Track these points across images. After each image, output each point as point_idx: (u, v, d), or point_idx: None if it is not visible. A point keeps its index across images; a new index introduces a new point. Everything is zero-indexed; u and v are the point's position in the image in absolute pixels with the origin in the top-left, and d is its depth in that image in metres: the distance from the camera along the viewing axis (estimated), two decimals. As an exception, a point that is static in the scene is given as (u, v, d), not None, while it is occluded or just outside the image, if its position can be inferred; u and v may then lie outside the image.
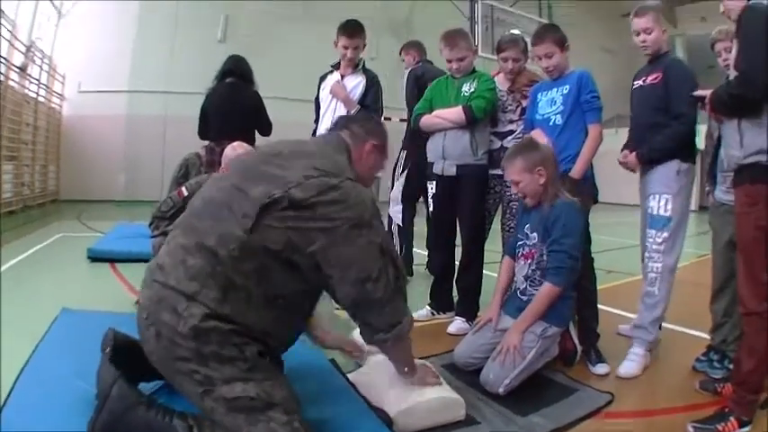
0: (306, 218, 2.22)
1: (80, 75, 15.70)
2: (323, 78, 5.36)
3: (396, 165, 6.48)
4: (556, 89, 4.15)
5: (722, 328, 3.84)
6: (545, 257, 3.59)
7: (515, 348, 3.40)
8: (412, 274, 6.50)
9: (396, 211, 6.52)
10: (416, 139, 5.62)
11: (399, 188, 6.48)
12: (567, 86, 4.08)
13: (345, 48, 5.12)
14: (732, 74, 3.10)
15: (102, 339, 2.42)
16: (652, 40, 3.95)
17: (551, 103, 4.15)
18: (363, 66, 5.32)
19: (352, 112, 5.06)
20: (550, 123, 4.12)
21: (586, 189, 4.01)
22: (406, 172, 6.39)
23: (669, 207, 3.88)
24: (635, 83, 4.12)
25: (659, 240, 3.92)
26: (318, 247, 2.24)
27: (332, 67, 5.36)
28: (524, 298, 3.65)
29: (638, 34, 3.99)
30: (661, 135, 3.86)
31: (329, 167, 2.37)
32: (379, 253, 2.32)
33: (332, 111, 5.17)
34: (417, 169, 5.97)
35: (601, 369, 3.78)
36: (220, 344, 2.14)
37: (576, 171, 3.93)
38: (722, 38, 4.08)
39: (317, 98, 5.38)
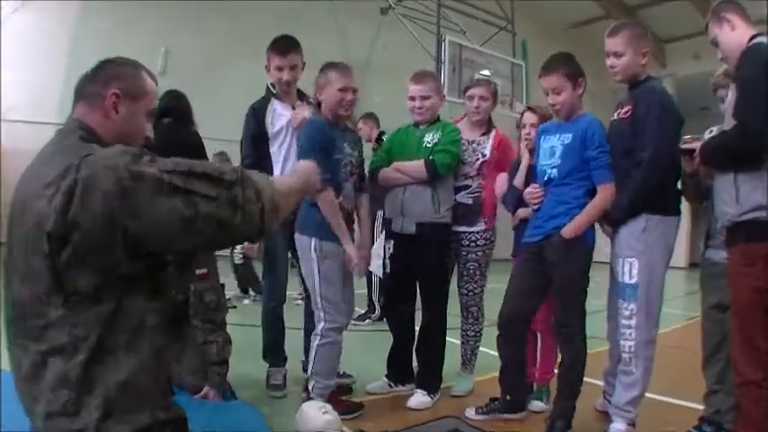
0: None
1: (4, 101, 15.47)
2: (259, 108, 4.93)
3: (374, 220, 6.65)
4: (558, 136, 4.08)
5: (715, 397, 3.79)
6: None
7: None
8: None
9: (377, 266, 6.66)
10: None
11: (381, 243, 6.63)
12: (570, 135, 4.00)
13: (279, 69, 4.81)
14: (729, 122, 3.11)
15: None
16: (622, 66, 3.84)
17: (550, 153, 4.09)
18: (306, 96, 5.04)
19: None
20: (545, 177, 4.08)
21: (580, 252, 3.97)
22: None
23: (635, 272, 3.77)
24: (613, 113, 4.01)
25: (627, 313, 3.82)
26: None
27: (271, 94, 4.96)
28: None
29: (608, 56, 3.88)
30: (623, 191, 3.79)
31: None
32: (170, 190, 1.97)
33: (295, 151, 4.75)
34: None
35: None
36: None
37: (569, 228, 3.90)
38: (726, 83, 3.62)
39: (255, 133, 4.92)
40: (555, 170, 4.02)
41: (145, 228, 1.95)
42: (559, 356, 4.20)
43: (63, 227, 1.93)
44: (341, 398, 4.44)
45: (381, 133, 7.49)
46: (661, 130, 3.62)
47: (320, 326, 4.27)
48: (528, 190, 4.26)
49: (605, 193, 3.88)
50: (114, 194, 1.92)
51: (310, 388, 4.28)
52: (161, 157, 2.05)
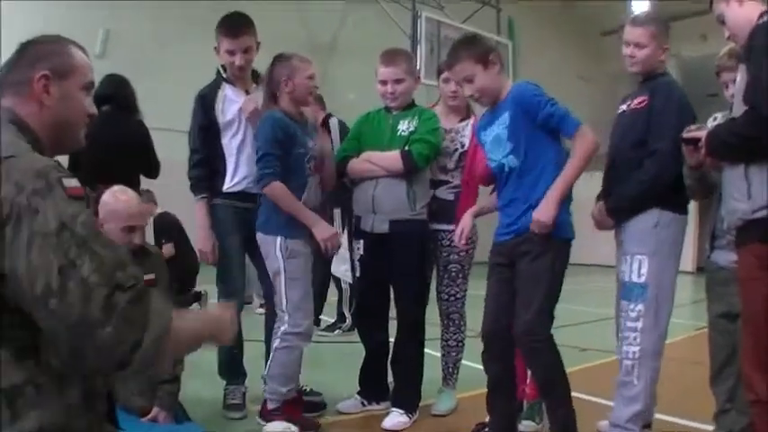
0: None
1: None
2: (208, 95, 4.82)
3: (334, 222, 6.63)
4: (496, 122, 4.04)
5: (726, 416, 3.78)
6: None
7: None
8: None
9: (344, 271, 6.72)
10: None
11: (347, 245, 6.67)
12: (507, 113, 3.96)
13: (231, 53, 4.68)
14: (738, 108, 3.10)
15: None
16: (642, 58, 3.91)
17: (497, 142, 4.03)
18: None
19: None
20: (506, 169, 4.00)
21: (556, 245, 3.89)
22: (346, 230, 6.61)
23: (644, 270, 3.78)
24: (619, 108, 4.09)
25: (633, 315, 3.82)
26: None
27: (221, 78, 4.86)
28: None
29: (628, 45, 3.96)
30: (632, 181, 3.83)
31: None
32: (54, 247, 1.87)
33: (251, 142, 4.71)
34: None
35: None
36: None
37: (549, 197, 3.73)
38: (731, 65, 3.73)
39: (204, 123, 4.81)
40: (511, 156, 3.95)
41: (7, 266, 1.89)
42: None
43: None
44: (301, 413, 4.48)
45: (328, 116, 7.46)
46: (679, 123, 3.64)
47: (281, 328, 4.35)
48: (458, 231, 4.36)
49: (584, 139, 3.79)
50: (3, 217, 1.89)
51: (263, 390, 4.40)
52: (76, 203, 1.99)
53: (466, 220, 4.36)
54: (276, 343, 4.36)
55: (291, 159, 4.33)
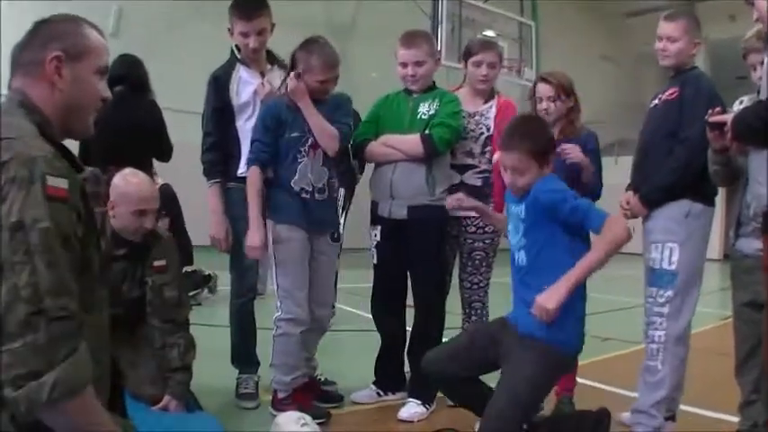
0: None
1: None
2: (222, 77, 4.77)
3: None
4: (514, 206, 3.74)
5: (752, 408, 3.69)
6: None
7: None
8: None
9: None
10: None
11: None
12: (523, 207, 3.62)
13: (245, 35, 4.62)
14: (765, 90, 3.10)
15: None
16: (675, 51, 4.03)
17: (515, 229, 3.73)
18: (279, 59, 4.94)
19: None
20: (515, 263, 3.72)
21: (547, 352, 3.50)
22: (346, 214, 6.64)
23: (675, 258, 3.87)
24: (650, 103, 4.19)
25: (662, 300, 3.89)
26: None
27: (236, 59, 4.81)
28: None
29: (661, 40, 4.08)
30: (664, 171, 3.89)
31: None
32: (5, 242, 1.90)
33: None
34: None
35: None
36: None
37: (560, 283, 3.34)
38: (758, 47, 3.90)
39: (218, 106, 4.76)
40: (522, 252, 3.64)
41: None
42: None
43: None
44: (312, 401, 4.50)
45: None
46: (705, 120, 3.64)
47: (275, 315, 4.44)
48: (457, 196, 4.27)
49: (615, 226, 3.36)
50: None
51: (270, 380, 4.49)
52: (48, 204, 1.97)
53: (476, 203, 4.25)
54: (273, 331, 4.44)
55: (282, 144, 4.40)
